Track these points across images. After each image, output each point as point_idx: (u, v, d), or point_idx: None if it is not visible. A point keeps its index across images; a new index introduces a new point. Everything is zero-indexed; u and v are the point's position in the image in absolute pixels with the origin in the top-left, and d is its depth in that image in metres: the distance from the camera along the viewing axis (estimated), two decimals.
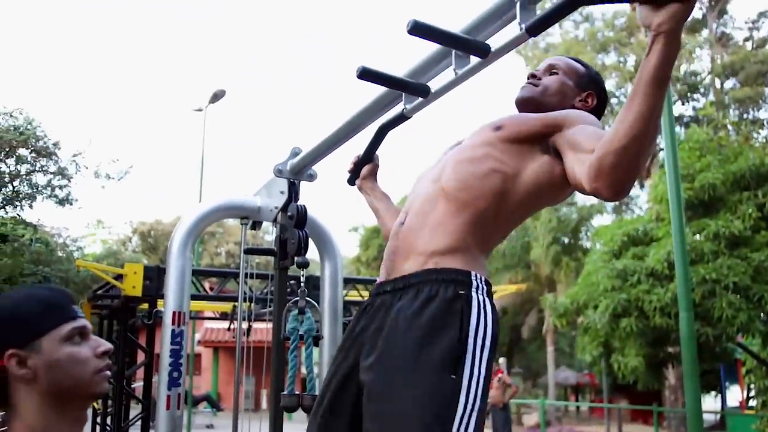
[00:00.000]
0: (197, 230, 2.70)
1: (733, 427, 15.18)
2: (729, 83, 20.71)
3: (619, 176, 1.20)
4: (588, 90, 1.66)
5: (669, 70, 1.10)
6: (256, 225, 2.82)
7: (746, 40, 20.93)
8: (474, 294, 1.34)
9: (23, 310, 1.08)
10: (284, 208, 2.49)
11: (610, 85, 21.60)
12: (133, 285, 5.72)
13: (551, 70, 1.68)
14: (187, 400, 2.81)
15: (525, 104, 1.63)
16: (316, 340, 2.32)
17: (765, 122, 19.68)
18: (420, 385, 1.25)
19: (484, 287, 1.38)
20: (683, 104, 20.72)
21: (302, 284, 2.34)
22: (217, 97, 13.82)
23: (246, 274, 2.84)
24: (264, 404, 21.41)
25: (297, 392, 2.24)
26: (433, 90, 1.61)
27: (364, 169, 1.95)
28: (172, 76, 61.66)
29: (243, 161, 57.29)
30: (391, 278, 1.45)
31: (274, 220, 2.63)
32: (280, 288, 2.51)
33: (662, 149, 20.49)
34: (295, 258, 2.33)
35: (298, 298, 2.31)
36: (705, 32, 20.55)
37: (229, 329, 7.11)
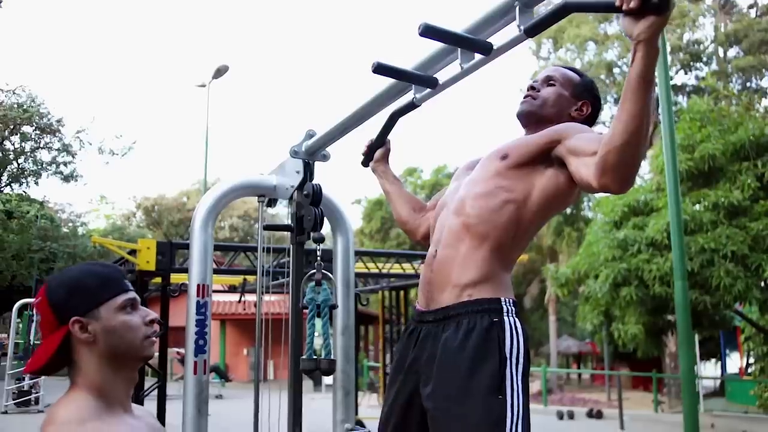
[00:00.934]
0: (218, 208, 2.87)
1: (732, 393, 15.45)
2: (732, 52, 20.65)
3: (623, 170, 1.39)
4: (582, 99, 1.84)
5: (651, 72, 1.27)
6: (271, 202, 2.99)
7: (750, 7, 20.84)
8: (506, 318, 1.59)
9: (85, 283, 1.25)
10: (300, 187, 2.65)
11: (612, 54, 21.55)
12: (147, 260, 5.91)
13: (549, 81, 1.85)
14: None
15: (526, 117, 1.83)
16: (332, 309, 2.49)
17: (767, 91, 19.66)
18: (473, 409, 1.50)
19: (513, 308, 1.62)
20: (686, 73, 20.70)
21: (319, 258, 2.51)
22: (220, 72, 13.90)
23: (264, 249, 3.01)
24: (271, 374, 21.79)
25: (315, 357, 2.42)
26: (440, 82, 1.76)
27: (377, 152, 2.11)
28: (176, 51, 61.35)
29: (247, 137, 57.28)
30: (431, 309, 1.69)
31: (290, 198, 2.80)
32: (297, 262, 2.68)
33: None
34: (312, 234, 2.50)
35: (314, 270, 2.47)
36: (708, 0, 20.42)
37: (239, 301, 7.32)
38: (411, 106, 1.91)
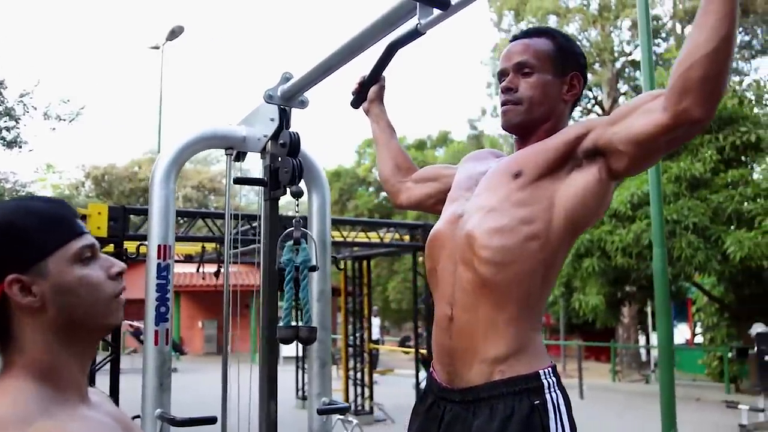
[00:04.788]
0: (180, 160, 2.59)
1: (681, 362, 15.86)
2: (690, 28, 20.85)
3: (711, 87, 1.15)
4: (568, 72, 1.52)
5: None
6: (240, 156, 2.72)
7: None
8: (548, 397, 1.33)
9: (21, 227, 0.88)
10: (275, 136, 2.39)
11: (573, 28, 21.54)
12: (98, 226, 5.55)
13: (523, 69, 1.51)
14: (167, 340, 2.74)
15: (516, 130, 1.53)
16: (312, 271, 2.26)
17: None
18: None
19: (554, 379, 1.36)
20: None
21: (297, 213, 2.27)
22: (175, 33, 13.29)
23: (230, 213, 2.74)
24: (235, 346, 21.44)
25: (293, 324, 2.19)
26: (453, 1, 1.51)
27: (370, 91, 1.86)
28: (127, 10, 59.12)
29: (204, 104, 55.87)
30: (457, 387, 1.41)
31: (263, 150, 2.53)
32: (272, 219, 2.43)
33: (624, 93, 20.68)
34: (290, 187, 2.24)
35: (293, 229, 2.23)
36: None
37: (198, 271, 6.99)
38: (414, 34, 1.65)
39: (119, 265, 0.96)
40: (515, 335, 1.36)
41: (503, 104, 1.53)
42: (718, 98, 1.18)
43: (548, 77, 1.50)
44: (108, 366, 5.76)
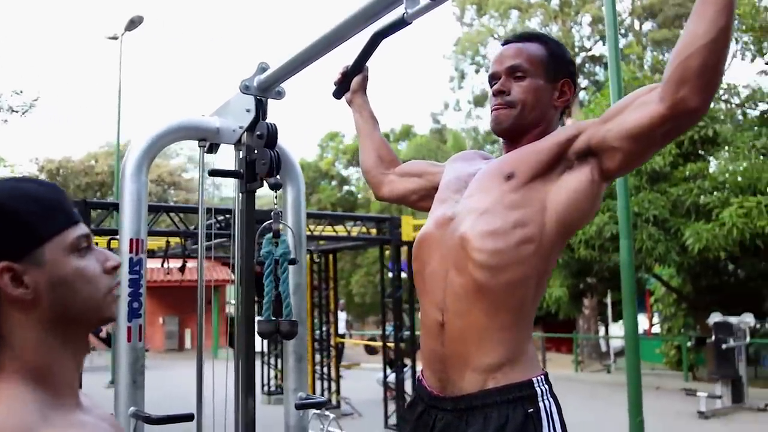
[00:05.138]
0: (152, 152, 2.52)
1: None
2: (648, 25, 21.26)
3: (709, 77, 1.15)
4: (560, 78, 1.51)
5: None
6: (213, 148, 2.66)
7: None
8: (542, 405, 1.32)
9: (15, 210, 0.80)
10: (251, 128, 2.34)
11: (535, 23, 21.77)
12: None
13: (515, 73, 1.50)
14: (140, 336, 2.65)
15: (509, 132, 1.51)
16: (292, 264, 2.23)
17: None
18: None
19: (546, 386, 1.36)
20: (604, 44, 21.15)
21: (275, 206, 2.23)
22: (134, 23, 13.00)
23: (203, 206, 2.68)
24: (188, 344, 21.17)
25: (273, 318, 2.15)
26: None
27: (353, 81, 1.83)
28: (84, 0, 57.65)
29: (163, 97, 54.88)
30: (449, 395, 1.39)
31: (237, 142, 2.48)
32: (248, 213, 2.38)
33: (584, 88, 20.98)
34: (268, 180, 2.20)
35: (272, 221, 2.19)
36: None
37: (162, 266, 6.86)
38: (400, 24, 1.62)
39: (114, 258, 0.89)
40: (509, 343, 1.35)
41: (495, 107, 1.51)
42: (715, 88, 1.19)
43: (540, 82, 1.49)
44: None
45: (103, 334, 11.47)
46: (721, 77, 1.19)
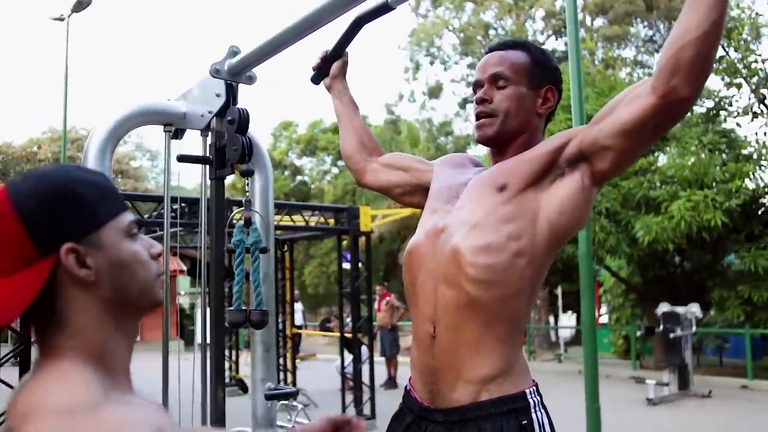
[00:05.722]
0: (115, 137, 2.43)
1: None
2: (599, 21, 21.68)
3: (701, 68, 1.16)
4: (543, 85, 1.50)
5: None
6: (178, 134, 2.59)
7: None
8: (534, 416, 1.33)
9: (78, 193, 0.81)
10: (221, 113, 2.28)
11: (489, 16, 21.96)
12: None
13: (498, 81, 1.49)
14: None
15: (491, 143, 1.50)
16: (263, 253, 2.19)
17: (628, 60, 20.88)
18: None
19: (538, 398, 1.36)
20: (556, 39, 21.50)
21: (247, 193, 2.18)
22: (81, 4, 12.54)
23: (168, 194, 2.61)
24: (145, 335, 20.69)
25: (244, 308, 2.11)
26: None
27: (333, 66, 1.80)
28: None
29: (111, 81, 53.29)
30: (440, 407, 1.37)
31: (205, 128, 2.42)
32: (218, 200, 2.32)
33: None
34: (240, 166, 2.15)
35: (243, 208, 2.15)
36: None
37: None
38: (384, 9, 1.60)
39: (158, 246, 0.92)
40: (502, 355, 1.34)
41: (478, 116, 1.50)
42: (705, 79, 1.20)
43: (523, 89, 1.48)
44: (15, 359, 5.42)
45: None
46: (711, 68, 1.21)
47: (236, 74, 2.28)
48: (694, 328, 9.54)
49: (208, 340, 2.34)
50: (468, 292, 1.33)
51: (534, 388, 1.37)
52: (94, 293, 0.82)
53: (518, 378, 1.36)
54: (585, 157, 1.35)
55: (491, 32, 21.84)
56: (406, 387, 1.51)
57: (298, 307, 12.72)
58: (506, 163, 1.46)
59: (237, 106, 2.27)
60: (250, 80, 2.34)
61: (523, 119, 1.47)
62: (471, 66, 22.76)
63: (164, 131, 2.54)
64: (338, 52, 1.77)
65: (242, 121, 2.20)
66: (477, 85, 1.53)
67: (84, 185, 0.83)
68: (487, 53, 1.57)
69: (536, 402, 1.35)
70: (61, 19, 13.09)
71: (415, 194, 1.69)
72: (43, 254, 0.78)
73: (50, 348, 0.81)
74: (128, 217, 0.87)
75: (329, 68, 1.81)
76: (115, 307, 0.84)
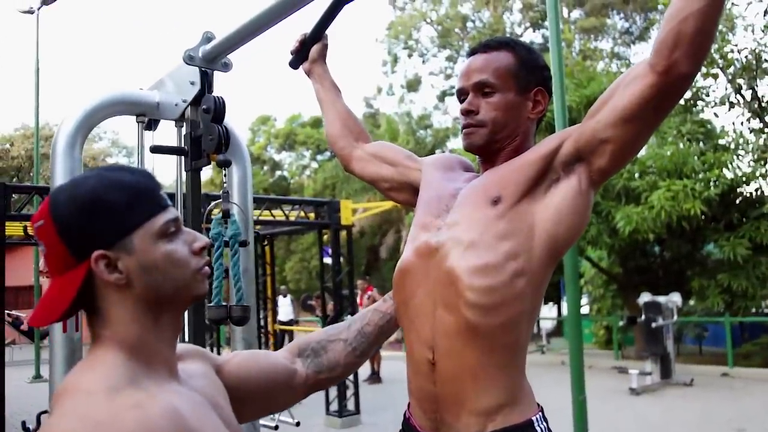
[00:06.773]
0: (86, 127, 2.34)
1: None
2: (576, 13, 21.74)
3: (701, 41, 1.10)
4: (532, 87, 1.40)
5: None
6: (152, 124, 2.49)
7: None
8: None
9: (107, 201, 0.87)
10: (196, 101, 2.19)
11: (467, 8, 21.92)
12: None
13: (483, 89, 1.39)
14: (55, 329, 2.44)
15: (480, 152, 1.42)
16: (242, 246, 2.10)
17: (605, 52, 20.98)
18: None
19: (545, 425, 1.29)
20: (534, 31, 21.54)
21: (225, 185, 2.10)
22: None
23: None
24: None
25: (224, 303, 2.03)
26: None
27: (312, 49, 1.71)
28: None
29: (84, 76, 52.48)
30: None
31: (180, 118, 2.33)
32: (194, 192, 2.24)
33: None
34: (217, 157, 2.06)
35: (221, 200, 2.06)
36: None
37: None
38: None
39: (202, 239, 0.95)
40: (507, 382, 1.27)
41: (464, 127, 1.42)
42: (705, 54, 1.15)
43: (510, 95, 1.39)
44: None
45: (24, 327, 10.88)
46: (711, 43, 1.15)
47: (211, 61, 2.20)
48: (675, 317, 9.61)
49: (188, 338, 2.26)
50: (467, 317, 1.26)
51: (540, 414, 1.30)
52: (127, 293, 0.88)
53: (524, 406, 1.29)
54: (582, 157, 1.27)
55: (469, 24, 21.83)
56: (405, 414, 1.43)
57: (286, 301, 12.57)
58: (498, 171, 1.37)
59: (212, 94, 2.19)
60: (226, 67, 2.25)
61: (513, 127, 1.39)
62: (449, 59, 22.74)
63: (137, 122, 2.44)
64: (317, 34, 1.68)
65: (218, 109, 2.11)
66: (461, 93, 1.44)
67: (115, 191, 0.88)
68: (469, 56, 1.47)
69: (543, 429, 1.28)
70: (31, 12, 12.80)
71: (402, 191, 1.62)
72: (77, 260, 0.86)
73: (95, 337, 0.90)
74: (165, 216, 0.90)
75: (308, 52, 1.72)
76: (150, 304, 0.90)
